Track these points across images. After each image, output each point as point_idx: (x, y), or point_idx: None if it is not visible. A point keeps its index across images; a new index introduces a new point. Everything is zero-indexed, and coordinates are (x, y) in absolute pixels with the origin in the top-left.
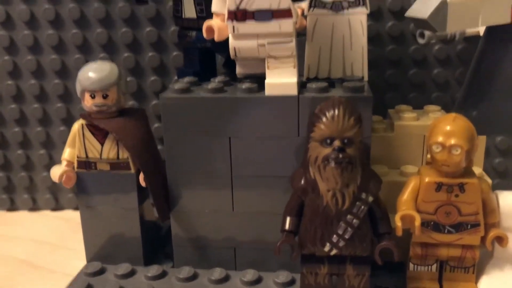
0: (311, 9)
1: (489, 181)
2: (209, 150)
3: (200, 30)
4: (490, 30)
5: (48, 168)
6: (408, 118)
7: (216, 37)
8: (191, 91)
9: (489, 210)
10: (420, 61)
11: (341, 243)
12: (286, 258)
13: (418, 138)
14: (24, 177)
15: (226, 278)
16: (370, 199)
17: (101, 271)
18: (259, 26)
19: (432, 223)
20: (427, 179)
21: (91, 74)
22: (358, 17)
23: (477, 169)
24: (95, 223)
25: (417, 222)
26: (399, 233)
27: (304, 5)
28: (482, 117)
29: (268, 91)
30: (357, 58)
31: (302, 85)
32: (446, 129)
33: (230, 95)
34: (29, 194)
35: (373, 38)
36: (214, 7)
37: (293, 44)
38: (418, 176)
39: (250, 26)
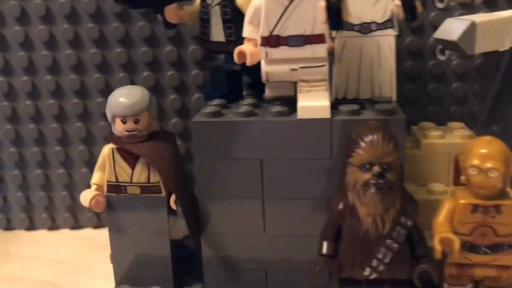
0: (340, 31)
1: None
2: (240, 172)
3: (229, 53)
4: None
5: (67, 187)
6: (435, 136)
7: (249, 62)
8: (222, 115)
9: None
10: (439, 76)
11: (381, 267)
12: (318, 280)
13: (444, 156)
14: (43, 196)
15: None
16: (410, 223)
17: None
18: (292, 51)
19: (467, 244)
20: (462, 201)
21: (122, 100)
22: (387, 39)
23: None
24: (124, 246)
25: (456, 246)
26: (439, 256)
27: None
28: (505, 133)
29: (301, 114)
30: (385, 78)
31: (332, 107)
32: (482, 152)
33: (262, 119)
34: (48, 213)
35: None
36: (246, 33)
37: (326, 68)
38: (453, 198)
39: (283, 52)
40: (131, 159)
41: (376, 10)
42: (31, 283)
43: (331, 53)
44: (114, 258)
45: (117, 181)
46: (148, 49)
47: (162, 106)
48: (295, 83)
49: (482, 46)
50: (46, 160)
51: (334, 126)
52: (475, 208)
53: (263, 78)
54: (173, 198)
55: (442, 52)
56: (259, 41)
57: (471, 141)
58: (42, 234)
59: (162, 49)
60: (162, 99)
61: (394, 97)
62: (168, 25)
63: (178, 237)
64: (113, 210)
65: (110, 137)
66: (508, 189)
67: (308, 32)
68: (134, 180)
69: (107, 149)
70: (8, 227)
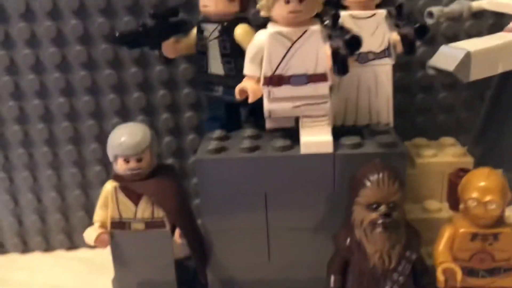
0: None
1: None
2: (245, 206)
3: (228, 86)
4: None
5: (60, 210)
6: (428, 156)
7: (251, 99)
8: (224, 150)
9: None
10: (427, 87)
11: None
12: None
13: (437, 174)
14: (36, 219)
15: None
16: (414, 256)
17: None
18: (294, 90)
19: (467, 269)
20: (462, 230)
21: (124, 139)
22: (384, 68)
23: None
24: (130, 279)
25: (459, 276)
26: (442, 285)
27: None
28: (495, 151)
29: (304, 150)
30: (382, 106)
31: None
32: (481, 185)
33: (265, 154)
34: (42, 235)
35: None
36: (248, 71)
37: (328, 104)
38: (452, 225)
39: (285, 91)
40: (135, 196)
41: (374, 40)
42: None
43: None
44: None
45: (121, 218)
46: (138, 70)
47: (155, 125)
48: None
49: (476, 73)
50: (38, 183)
51: (337, 160)
52: (474, 236)
53: (266, 115)
54: (177, 232)
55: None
56: (261, 80)
57: (463, 159)
58: (37, 257)
59: (152, 69)
60: (154, 119)
61: (391, 123)
62: (166, 60)
63: (179, 256)
64: (117, 245)
65: (112, 174)
66: (507, 214)
67: (310, 71)
68: (138, 216)
69: (109, 187)
70: (2, 251)
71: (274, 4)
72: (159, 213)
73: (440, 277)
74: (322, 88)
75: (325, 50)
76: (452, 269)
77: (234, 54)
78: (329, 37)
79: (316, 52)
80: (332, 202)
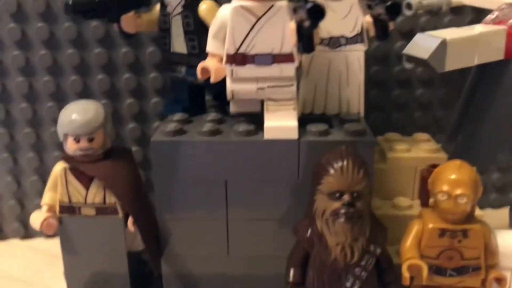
0: None
1: (480, 213)
2: (203, 194)
3: (191, 66)
4: (482, 64)
5: (15, 196)
6: (400, 150)
7: (213, 79)
8: (183, 133)
9: (489, 253)
10: (404, 82)
11: None
12: None
13: (410, 170)
14: None
15: None
16: (378, 251)
17: None
18: (259, 70)
19: (434, 267)
20: (430, 225)
21: (75, 117)
22: (356, 54)
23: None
24: (79, 269)
25: (425, 273)
26: (407, 283)
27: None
28: (470, 147)
29: (268, 135)
30: (353, 94)
31: (299, 124)
32: (452, 178)
33: (227, 139)
34: None
35: None
36: (210, 47)
37: (294, 87)
38: (421, 221)
39: (249, 70)
40: (85, 179)
41: (346, 24)
42: None
43: (298, 67)
44: (69, 278)
45: (70, 202)
46: (103, 50)
47: (119, 111)
48: (262, 99)
49: (452, 63)
50: None
51: (301, 147)
52: (442, 232)
53: (229, 96)
54: (130, 219)
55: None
56: (224, 58)
57: (437, 155)
58: None
59: (118, 51)
60: (118, 104)
61: (362, 113)
62: (125, 35)
63: (136, 249)
64: (66, 231)
65: (62, 155)
66: (477, 211)
67: (276, 51)
68: (89, 201)
69: (59, 168)
70: None
71: None
72: (111, 199)
73: (405, 273)
74: (288, 69)
75: (290, 25)
76: (418, 266)
77: (198, 31)
78: (294, 11)
79: (282, 30)
80: (296, 192)
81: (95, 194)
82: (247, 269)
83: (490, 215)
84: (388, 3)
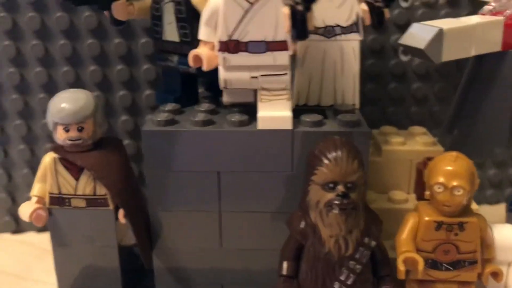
0: None
1: (476, 207)
2: (196, 185)
3: (183, 55)
4: (479, 56)
5: (6, 189)
6: (396, 143)
7: (205, 67)
8: (175, 122)
9: (485, 246)
10: (400, 76)
11: None
12: None
13: (406, 163)
14: None
15: None
16: (373, 244)
17: None
18: (252, 58)
19: (430, 261)
20: (426, 218)
21: (65, 106)
22: (351, 44)
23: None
24: (69, 260)
25: (421, 266)
26: (402, 276)
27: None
28: (466, 140)
29: (261, 125)
30: (348, 85)
31: (293, 115)
32: (448, 170)
33: (219, 129)
34: None
35: None
36: (202, 35)
37: (287, 76)
38: (416, 213)
39: (242, 58)
40: (75, 169)
41: (341, 13)
42: None
43: (293, 56)
44: (59, 272)
45: (60, 193)
46: (95, 41)
47: (111, 102)
48: (255, 89)
49: (448, 54)
50: None
51: (295, 138)
52: (439, 225)
53: (221, 85)
54: (121, 212)
55: (405, 52)
56: (216, 45)
57: (433, 148)
58: None
59: (110, 41)
60: (110, 95)
61: (357, 104)
62: (116, 22)
63: (128, 243)
64: (56, 223)
65: (52, 145)
66: (473, 205)
67: (269, 38)
68: (79, 192)
69: (48, 159)
70: None
71: None
72: (102, 190)
73: (401, 267)
74: (282, 57)
75: (284, 10)
76: (414, 259)
77: (190, 19)
78: None
79: (275, 16)
80: (290, 183)
81: (85, 185)
82: (240, 261)
83: (487, 211)
84: None
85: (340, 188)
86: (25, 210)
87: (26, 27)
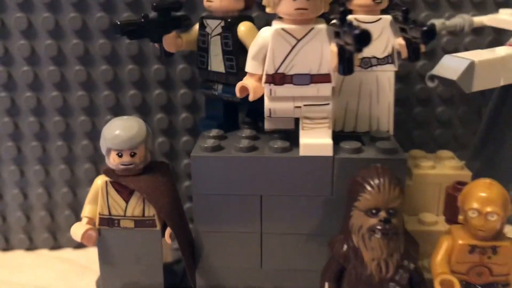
0: None
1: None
2: (239, 207)
3: (227, 84)
4: (505, 86)
5: (46, 206)
6: (426, 167)
7: (251, 98)
8: (221, 148)
9: None
10: (425, 100)
11: None
12: None
13: (435, 187)
14: (20, 216)
15: None
16: (412, 266)
17: None
18: (297, 89)
19: (464, 282)
20: (460, 242)
21: (119, 133)
22: (386, 74)
23: None
24: (116, 280)
25: None
26: None
27: None
28: (493, 165)
29: (303, 152)
30: (383, 113)
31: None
32: (483, 196)
33: (263, 155)
34: (26, 233)
35: None
36: (249, 68)
37: (330, 106)
38: (450, 237)
39: (287, 90)
40: (126, 192)
41: (377, 45)
42: None
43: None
44: None
45: (110, 214)
46: (135, 67)
47: (149, 125)
48: (296, 117)
49: (479, 84)
50: (24, 178)
51: (336, 164)
52: (473, 248)
53: (266, 114)
54: (168, 232)
55: (431, 79)
56: (263, 77)
57: (461, 172)
58: (19, 255)
59: (150, 67)
60: (148, 118)
61: (391, 131)
62: (166, 54)
63: (168, 261)
64: (105, 243)
65: (103, 169)
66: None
67: (314, 71)
68: (128, 213)
69: (100, 181)
70: None
71: (281, 0)
72: (150, 211)
73: None
74: (325, 89)
75: (332, 48)
76: (450, 281)
77: (236, 52)
78: (336, 34)
79: (320, 51)
80: (330, 207)
81: (135, 206)
82: (279, 282)
83: None
84: (425, 28)
85: (383, 214)
86: (77, 231)
87: (70, 53)
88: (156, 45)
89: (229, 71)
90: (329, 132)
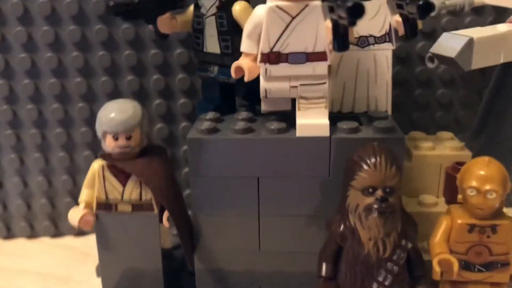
0: None
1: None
2: (236, 189)
3: (223, 66)
4: (505, 63)
5: (46, 194)
6: (425, 148)
7: (247, 78)
8: (217, 131)
9: None
10: (425, 82)
11: None
12: None
13: (435, 168)
14: (21, 204)
15: None
16: (410, 245)
17: None
18: (292, 68)
19: (463, 262)
20: (459, 221)
21: (114, 116)
22: (384, 53)
23: None
24: (114, 262)
25: (456, 267)
26: (438, 277)
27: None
28: (493, 145)
29: (300, 132)
30: (381, 93)
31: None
32: (481, 174)
33: (260, 137)
34: (27, 221)
35: None
36: (244, 47)
37: (326, 86)
38: (449, 216)
39: (283, 69)
40: (123, 176)
41: (374, 23)
42: None
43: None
44: (104, 273)
45: (107, 198)
46: (132, 52)
47: (147, 111)
48: (293, 98)
49: (478, 62)
50: (24, 166)
51: (333, 144)
52: (472, 228)
53: (262, 94)
54: (165, 215)
55: (431, 59)
56: (258, 56)
57: (461, 153)
58: (21, 243)
59: (147, 52)
60: (147, 104)
61: (389, 111)
62: (161, 36)
63: (167, 247)
64: (102, 228)
65: (100, 153)
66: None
67: (309, 49)
68: (125, 197)
69: (97, 165)
70: None
71: None
72: (147, 195)
73: (436, 268)
74: (321, 67)
75: (326, 24)
76: (449, 260)
77: (232, 32)
78: (330, 9)
79: (316, 29)
80: (327, 188)
81: (132, 190)
82: (277, 264)
83: None
84: (421, 2)
85: (379, 192)
86: (74, 216)
87: (67, 39)
88: (151, 26)
89: (225, 52)
90: (325, 112)
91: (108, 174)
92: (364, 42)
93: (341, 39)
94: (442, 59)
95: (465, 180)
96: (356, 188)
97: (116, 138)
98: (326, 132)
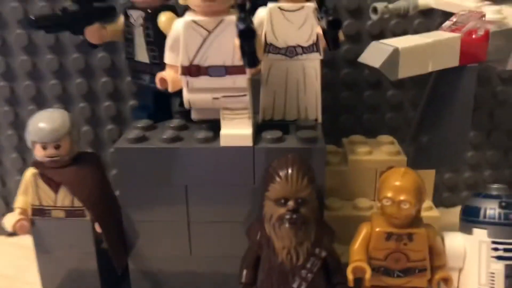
0: (266, 54)
1: (437, 214)
2: (165, 198)
3: (154, 74)
4: (440, 70)
5: (1, 194)
6: (362, 153)
7: (171, 89)
8: (145, 140)
9: (436, 254)
10: (375, 84)
11: None
12: None
13: (371, 172)
14: None
15: None
16: (323, 254)
17: None
18: (213, 81)
19: (382, 268)
20: (377, 229)
21: (42, 125)
22: (312, 63)
23: (427, 202)
24: (53, 267)
25: (368, 275)
26: (351, 284)
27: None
28: (427, 150)
29: (223, 142)
30: (310, 102)
31: (257, 130)
32: (396, 185)
33: (185, 146)
34: None
35: (328, 62)
36: (167, 59)
37: (247, 98)
38: (369, 224)
39: (204, 81)
40: (54, 184)
41: (301, 34)
42: None
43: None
44: (43, 277)
45: (41, 204)
46: (80, 56)
47: (97, 113)
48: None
49: (405, 71)
50: None
51: (256, 154)
52: (389, 236)
53: (186, 105)
54: (97, 224)
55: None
56: (179, 69)
57: (396, 158)
58: None
59: (68, 56)
60: (96, 106)
61: (319, 119)
62: (92, 45)
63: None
64: (39, 232)
65: (32, 161)
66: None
67: (228, 63)
68: (58, 204)
69: (29, 174)
70: None
71: None
72: (79, 202)
73: (349, 276)
74: (241, 80)
75: (235, 41)
76: (362, 268)
77: (158, 42)
78: (236, 26)
79: (232, 43)
80: (253, 196)
81: (64, 197)
82: (209, 267)
83: (443, 214)
84: (330, 19)
85: (291, 204)
86: (10, 221)
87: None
88: (81, 36)
89: (154, 62)
90: (249, 123)
91: (40, 182)
92: (292, 52)
93: (249, 56)
94: (370, 68)
95: (381, 190)
96: (270, 199)
97: (44, 147)
98: (249, 142)
